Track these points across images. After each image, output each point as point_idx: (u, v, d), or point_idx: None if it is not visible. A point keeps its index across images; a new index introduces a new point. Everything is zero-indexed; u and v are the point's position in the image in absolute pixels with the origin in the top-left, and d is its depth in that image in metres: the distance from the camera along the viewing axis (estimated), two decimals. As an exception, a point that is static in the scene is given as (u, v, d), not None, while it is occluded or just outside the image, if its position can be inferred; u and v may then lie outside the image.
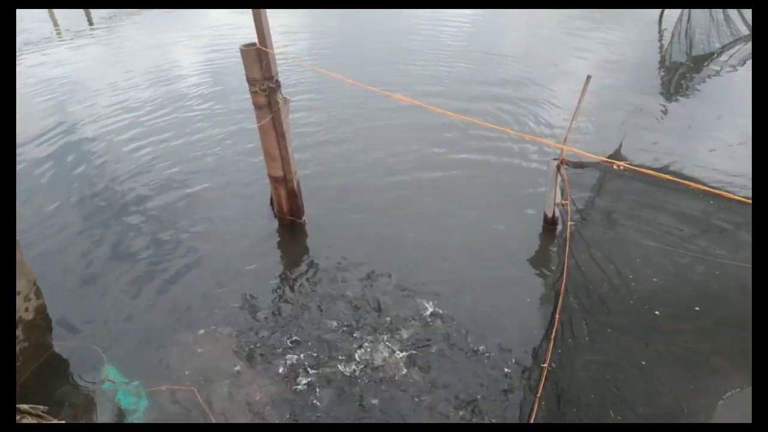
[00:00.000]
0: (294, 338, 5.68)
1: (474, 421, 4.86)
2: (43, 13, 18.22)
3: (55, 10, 18.81)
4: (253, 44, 5.85)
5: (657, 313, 5.37)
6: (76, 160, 9.08)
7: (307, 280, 6.50)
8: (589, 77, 6.04)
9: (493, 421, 4.86)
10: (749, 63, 12.13)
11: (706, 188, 5.78)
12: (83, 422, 5.02)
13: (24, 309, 5.33)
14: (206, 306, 6.16)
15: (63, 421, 4.50)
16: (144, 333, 5.84)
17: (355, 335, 5.69)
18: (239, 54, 5.91)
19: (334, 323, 5.83)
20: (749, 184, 7.66)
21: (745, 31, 13.54)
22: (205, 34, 16.00)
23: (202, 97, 11.38)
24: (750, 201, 3.42)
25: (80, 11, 18.92)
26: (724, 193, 5.17)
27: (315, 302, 6.14)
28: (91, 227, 7.47)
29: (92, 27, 17.46)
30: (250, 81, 6.08)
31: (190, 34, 16.02)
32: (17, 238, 4.89)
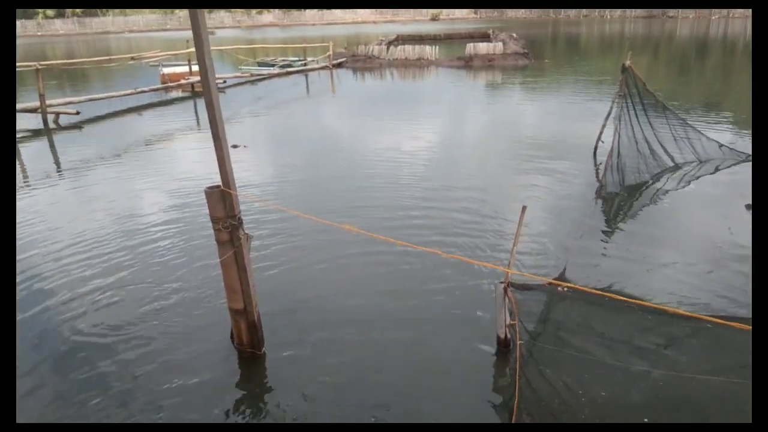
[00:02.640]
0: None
1: None
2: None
3: (23, 155, 19.57)
4: (217, 186, 6.35)
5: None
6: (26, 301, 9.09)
7: (263, 418, 6.43)
8: (524, 207, 6.67)
9: None
10: (680, 189, 13.38)
11: (649, 304, 6.26)
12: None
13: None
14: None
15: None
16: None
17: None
18: (203, 194, 6.40)
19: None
20: (685, 297, 8.24)
21: (670, 162, 15.00)
22: (170, 175, 16.71)
23: (163, 234, 11.71)
24: (749, 327, 3.48)
25: (49, 159, 19.71)
26: (684, 313, 5.59)
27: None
28: (43, 371, 7.33)
29: (59, 171, 18.05)
30: (214, 219, 6.50)
31: (153, 178, 16.71)
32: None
